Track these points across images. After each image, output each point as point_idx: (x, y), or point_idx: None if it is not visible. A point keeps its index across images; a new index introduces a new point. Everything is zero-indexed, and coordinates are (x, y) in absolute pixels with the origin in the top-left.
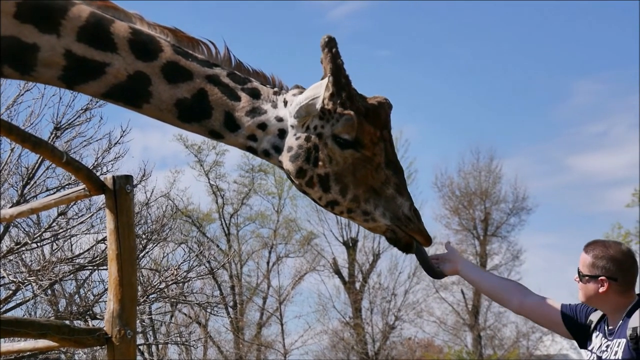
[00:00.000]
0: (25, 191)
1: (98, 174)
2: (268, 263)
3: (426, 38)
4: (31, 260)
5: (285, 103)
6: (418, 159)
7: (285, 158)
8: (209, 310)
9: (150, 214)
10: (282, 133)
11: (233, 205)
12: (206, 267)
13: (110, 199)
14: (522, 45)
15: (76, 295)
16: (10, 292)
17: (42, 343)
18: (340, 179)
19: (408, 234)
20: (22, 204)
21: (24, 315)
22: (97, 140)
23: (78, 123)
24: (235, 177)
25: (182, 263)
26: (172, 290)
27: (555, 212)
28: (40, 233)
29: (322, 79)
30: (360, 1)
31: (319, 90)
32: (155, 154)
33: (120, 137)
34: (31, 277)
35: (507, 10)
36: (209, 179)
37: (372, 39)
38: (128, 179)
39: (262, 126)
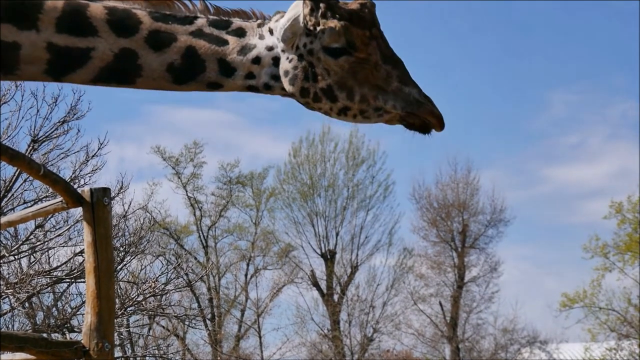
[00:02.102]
0: (2, 204)
1: (75, 186)
2: (246, 275)
3: (403, 49)
4: (8, 273)
5: (271, 31)
6: (395, 171)
7: (285, 83)
8: (187, 322)
9: (127, 227)
10: (276, 60)
11: (211, 218)
12: (184, 279)
13: (88, 212)
14: (498, 57)
15: (54, 308)
16: None
17: (19, 356)
18: (343, 86)
19: (419, 118)
20: None
21: (1, 329)
22: (74, 153)
23: (55, 135)
24: (213, 190)
25: (160, 275)
26: (150, 303)
27: (532, 223)
28: (17, 246)
29: None
30: None
31: (298, 8)
32: (132, 165)
33: (98, 149)
34: (8, 289)
35: (482, 21)
36: (186, 191)
37: None
38: (105, 191)
39: (256, 60)
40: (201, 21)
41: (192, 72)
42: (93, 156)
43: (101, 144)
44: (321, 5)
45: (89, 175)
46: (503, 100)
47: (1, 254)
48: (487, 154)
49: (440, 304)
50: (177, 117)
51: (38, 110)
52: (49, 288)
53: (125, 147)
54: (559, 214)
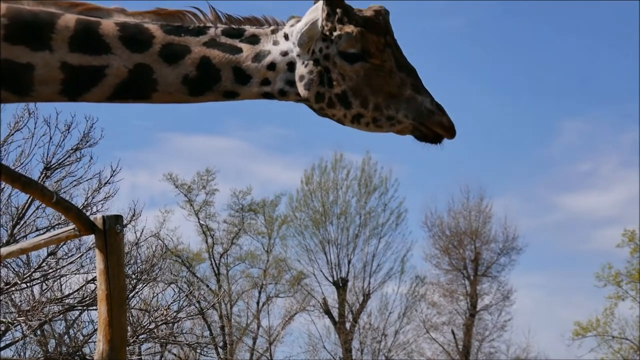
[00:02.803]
0: (15, 231)
1: (88, 213)
2: (258, 303)
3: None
4: (21, 301)
5: (286, 36)
6: (408, 198)
7: (300, 88)
8: (198, 350)
9: (140, 254)
10: (291, 65)
11: (223, 245)
12: (196, 307)
13: (100, 239)
14: (510, 84)
15: (66, 336)
16: (0, 332)
17: None
18: (358, 92)
19: (430, 129)
20: (11, 244)
21: (13, 356)
22: (87, 180)
23: (68, 163)
24: (225, 217)
25: (171, 303)
26: (162, 331)
27: (544, 251)
28: (29, 273)
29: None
30: None
31: (315, 13)
32: (144, 193)
33: (110, 176)
34: (21, 317)
35: (494, 48)
36: (198, 219)
37: None
38: (118, 218)
39: (271, 66)
40: (213, 31)
41: (208, 83)
42: (105, 183)
43: (113, 171)
44: (338, 10)
45: (102, 202)
46: (515, 128)
47: (13, 282)
48: (499, 182)
49: (453, 332)
50: (189, 144)
51: (51, 138)
52: (61, 316)
53: (137, 174)
54: (572, 242)
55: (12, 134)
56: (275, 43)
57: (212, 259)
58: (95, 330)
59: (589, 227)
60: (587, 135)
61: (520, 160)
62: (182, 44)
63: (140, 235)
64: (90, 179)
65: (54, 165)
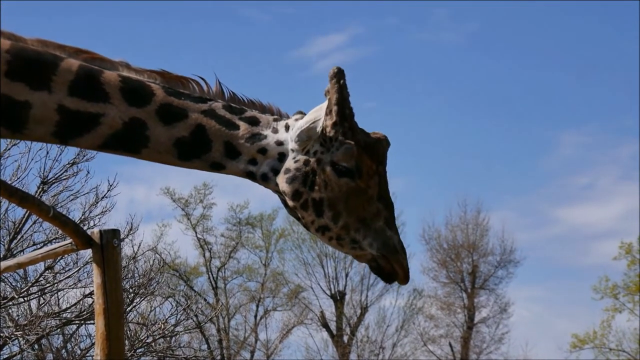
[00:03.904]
0: (12, 245)
1: (85, 228)
2: (256, 316)
3: (412, 91)
4: (18, 315)
5: (287, 127)
6: (405, 212)
7: (281, 179)
8: None
9: (137, 268)
10: (282, 156)
11: (220, 259)
12: (194, 321)
13: (98, 253)
14: (508, 97)
15: (63, 350)
16: None
17: None
18: (333, 205)
19: (390, 264)
20: (8, 259)
21: None
22: (84, 195)
23: (65, 177)
24: (223, 231)
25: (169, 317)
26: (160, 345)
27: (542, 264)
28: (27, 287)
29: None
30: (345, 54)
31: (319, 113)
32: (141, 207)
33: (108, 191)
34: (18, 331)
35: (491, 62)
36: (196, 233)
37: (358, 90)
38: (115, 233)
39: (263, 150)
40: (215, 104)
41: (198, 151)
42: (102, 198)
43: (111, 186)
44: (345, 124)
45: (99, 216)
46: (513, 141)
47: (11, 296)
48: (497, 195)
49: (450, 345)
50: None
51: (47, 152)
52: (59, 330)
53: (134, 188)
54: (569, 255)
55: (9, 148)
56: (274, 131)
57: (210, 273)
58: (93, 344)
59: (587, 240)
60: (585, 148)
61: (518, 174)
62: (181, 107)
63: (138, 250)
64: (87, 193)
65: (50, 180)
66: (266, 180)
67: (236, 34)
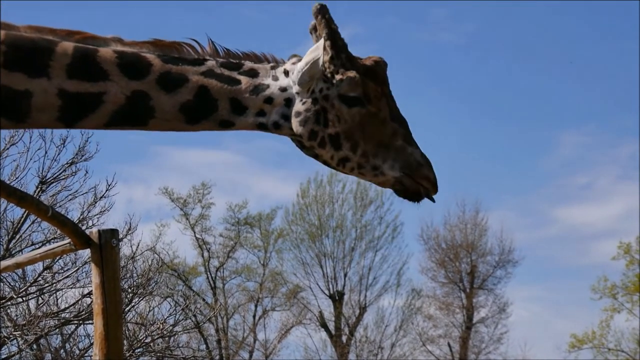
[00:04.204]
0: (10, 245)
1: (84, 227)
2: (254, 316)
3: (410, 90)
4: (16, 315)
5: (286, 73)
6: (404, 211)
7: (295, 123)
8: None
9: (136, 268)
10: (289, 102)
11: (219, 259)
12: (192, 321)
13: (96, 253)
14: (507, 97)
15: (62, 350)
16: None
17: None
18: (350, 136)
19: (416, 182)
20: (7, 259)
21: None
22: (82, 194)
23: (63, 177)
24: (221, 231)
25: (168, 317)
26: (158, 345)
27: (540, 264)
28: (25, 287)
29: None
30: None
31: (317, 52)
32: (140, 207)
33: (106, 190)
34: (17, 331)
35: (490, 62)
36: (194, 233)
37: None
38: (114, 232)
39: (269, 100)
40: (211, 63)
41: (205, 112)
42: (101, 197)
43: (109, 186)
44: (342, 55)
45: (97, 216)
46: (512, 141)
47: (9, 296)
48: (495, 195)
49: (449, 345)
50: (184, 158)
51: (46, 152)
52: (57, 330)
53: (133, 188)
54: (568, 254)
55: (7, 148)
56: (275, 78)
57: (208, 273)
58: (92, 344)
59: (586, 240)
60: (584, 148)
61: (517, 173)
62: (180, 72)
63: (136, 249)
64: (86, 193)
65: (49, 180)
66: (279, 127)
67: (233, 33)
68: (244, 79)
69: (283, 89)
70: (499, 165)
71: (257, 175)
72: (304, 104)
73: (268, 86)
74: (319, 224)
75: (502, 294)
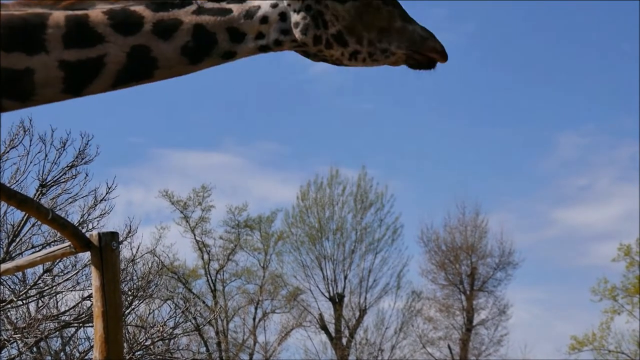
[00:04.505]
0: (10, 248)
1: (84, 230)
2: (254, 319)
3: (410, 92)
4: (17, 318)
5: None
6: (404, 214)
7: (298, 34)
8: None
9: (136, 271)
10: (283, 16)
11: (219, 261)
12: (192, 323)
13: (96, 256)
14: (506, 98)
15: (62, 353)
16: None
17: None
18: (352, 30)
19: (424, 55)
20: (7, 262)
21: None
22: (82, 197)
23: (64, 180)
24: (221, 233)
25: (168, 320)
26: (158, 347)
27: (540, 266)
28: (25, 290)
29: None
30: None
31: None
32: (140, 209)
33: (106, 193)
34: (17, 334)
35: (488, 63)
36: (194, 235)
37: (355, 92)
38: (114, 235)
39: (264, 20)
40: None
41: (206, 48)
42: (101, 200)
43: (109, 188)
44: None
45: (97, 219)
46: (511, 143)
47: (9, 299)
48: (495, 197)
49: (449, 347)
50: (184, 160)
51: (46, 155)
52: (57, 332)
53: (132, 191)
54: (568, 256)
55: (8, 152)
56: None
57: (208, 275)
58: (92, 347)
59: (585, 242)
60: (583, 149)
61: (516, 175)
62: (173, 17)
63: (136, 252)
64: (86, 196)
65: (49, 183)
66: (280, 44)
67: None
68: (234, 7)
69: (274, 5)
70: (499, 167)
71: (256, 177)
72: (299, 13)
73: (259, 7)
74: (319, 226)
75: (502, 296)
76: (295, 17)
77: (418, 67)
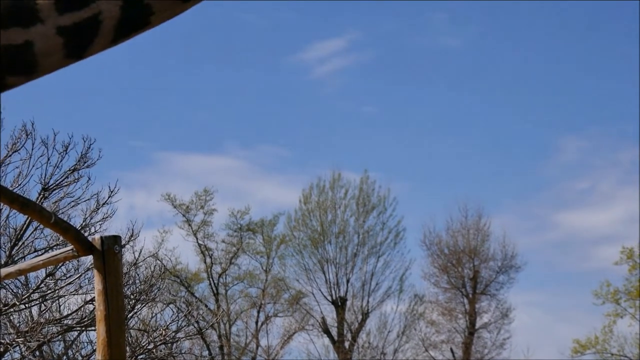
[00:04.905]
0: (13, 252)
1: (86, 234)
2: (257, 322)
3: (411, 95)
4: (19, 322)
5: None
6: (406, 217)
7: None
8: None
9: (138, 274)
10: None
11: (221, 265)
12: (195, 327)
13: (99, 260)
14: (508, 101)
15: (64, 357)
16: None
17: None
18: None
19: None
20: (10, 265)
21: None
22: (85, 201)
23: (66, 184)
24: (224, 237)
25: (170, 323)
26: (161, 351)
27: (543, 269)
28: (28, 294)
29: None
30: (343, 59)
31: None
32: (142, 213)
33: (109, 197)
34: (19, 338)
35: (492, 65)
36: (197, 239)
37: (357, 95)
38: (116, 239)
39: None
40: None
41: None
42: (104, 204)
43: (111, 192)
44: None
45: (100, 223)
46: (514, 146)
47: (12, 303)
48: (497, 200)
49: (452, 350)
50: (186, 164)
51: (49, 159)
52: (60, 336)
53: (135, 194)
54: (570, 259)
55: (10, 155)
56: None
57: (211, 279)
58: (94, 350)
59: (588, 245)
60: (585, 152)
61: (519, 178)
62: None
63: (139, 256)
64: (89, 199)
65: (52, 186)
66: None
67: (235, 39)
68: None
69: None
70: (501, 170)
71: (258, 180)
72: None
73: None
74: (322, 230)
75: (505, 299)
76: None
77: None
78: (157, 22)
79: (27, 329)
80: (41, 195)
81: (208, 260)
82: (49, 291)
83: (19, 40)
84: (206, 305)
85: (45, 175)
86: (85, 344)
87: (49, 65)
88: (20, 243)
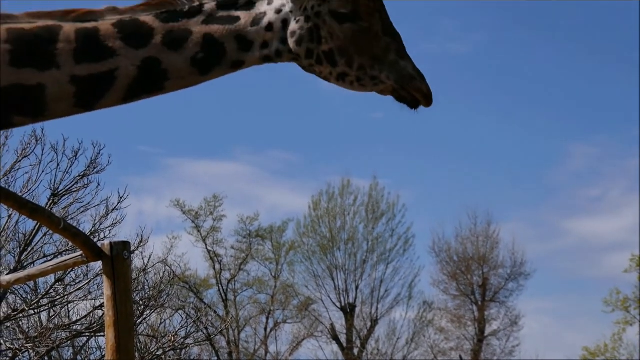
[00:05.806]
0: (22, 258)
1: (95, 240)
2: (266, 329)
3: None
4: (28, 327)
5: None
6: (415, 224)
7: (292, 44)
8: None
9: (147, 280)
10: (285, 23)
11: (230, 271)
12: (204, 333)
13: (108, 266)
14: (517, 108)
15: None
16: (8, 359)
17: None
18: (344, 52)
19: (410, 93)
20: (19, 271)
21: None
22: (94, 207)
23: (75, 189)
24: (233, 243)
25: (179, 329)
26: (170, 357)
27: (552, 277)
28: (37, 300)
29: None
30: None
31: None
32: (151, 219)
33: (118, 203)
34: (28, 343)
35: (500, 72)
36: (206, 245)
37: (366, 101)
38: (125, 245)
39: (269, 27)
40: (209, 7)
41: (215, 58)
42: (113, 210)
43: (121, 198)
44: None
45: (109, 228)
46: (523, 153)
47: (21, 308)
48: (507, 207)
49: (461, 357)
50: (195, 170)
51: (58, 164)
52: (69, 342)
53: (144, 200)
54: (580, 267)
55: (20, 161)
56: (269, 2)
57: (220, 285)
58: (103, 356)
59: (597, 253)
60: (595, 159)
61: (528, 186)
62: (182, 28)
63: (148, 262)
64: (98, 205)
65: (61, 192)
66: (280, 55)
67: None
68: (242, 14)
69: (278, 11)
70: (510, 177)
71: (268, 186)
72: (297, 22)
73: (265, 13)
74: (331, 236)
75: (514, 306)
76: (293, 26)
77: (403, 102)
78: (171, 89)
79: (36, 334)
80: (50, 201)
81: (217, 266)
82: (58, 297)
83: (32, 81)
84: (215, 312)
85: (55, 180)
86: (94, 349)
87: (58, 110)
88: (29, 249)
